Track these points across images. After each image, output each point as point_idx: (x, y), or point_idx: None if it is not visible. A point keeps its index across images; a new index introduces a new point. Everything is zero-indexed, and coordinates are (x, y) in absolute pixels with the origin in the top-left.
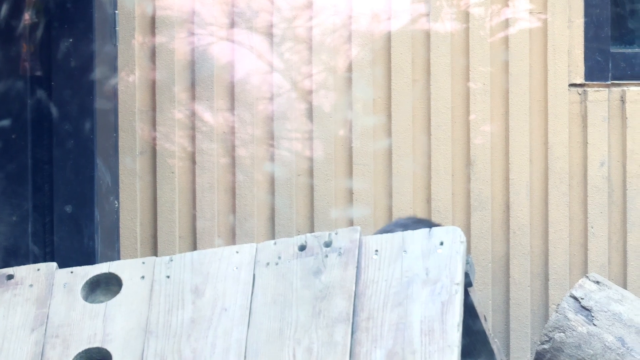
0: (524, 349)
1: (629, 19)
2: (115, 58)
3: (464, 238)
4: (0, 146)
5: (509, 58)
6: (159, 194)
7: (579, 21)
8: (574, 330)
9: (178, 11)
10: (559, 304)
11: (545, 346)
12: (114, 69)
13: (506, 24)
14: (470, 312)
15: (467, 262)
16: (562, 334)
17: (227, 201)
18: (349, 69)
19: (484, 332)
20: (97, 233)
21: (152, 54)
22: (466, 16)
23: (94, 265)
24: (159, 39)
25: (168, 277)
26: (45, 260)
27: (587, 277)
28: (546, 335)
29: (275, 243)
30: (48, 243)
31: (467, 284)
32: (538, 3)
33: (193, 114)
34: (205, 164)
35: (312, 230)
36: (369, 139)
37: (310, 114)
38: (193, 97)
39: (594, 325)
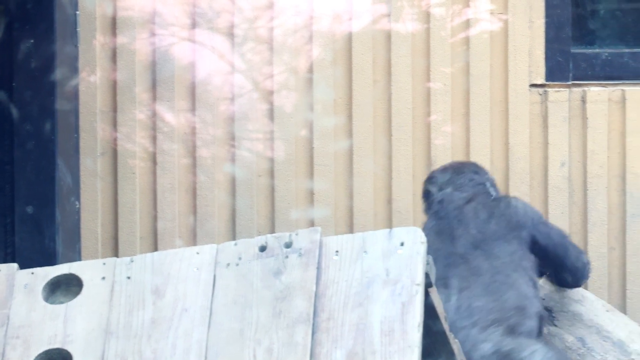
0: None
1: (590, 20)
2: (76, 59)
3: (424, 238)
4: None
5: (469, 59)
6: (120, 194)
7: (540, 22)
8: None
9: (139, 12)
10: None
11: None
12: (75, 70)
13: (467, 24)
14: (430, 312)
15: (428, 263)
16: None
17: (188, 202)
18: (310, 69)
19: (444, 333)
20: (58, 234)
21: (113, 55)
22: (427, 17)
23: (54, 266)
24: (120, 39)
25: (129, 277)
26: (6, 261)
27: (547, 277)
28: None
29: (235, 244)
30: (9, 244)
31: (428, 284)
32: (499, 4)
33: (154, 115)
34: (166, 164)
35: (272, 231)
36: (330, 140)
37: (271, 114)
38: (154, 98)
39: (555, 325)
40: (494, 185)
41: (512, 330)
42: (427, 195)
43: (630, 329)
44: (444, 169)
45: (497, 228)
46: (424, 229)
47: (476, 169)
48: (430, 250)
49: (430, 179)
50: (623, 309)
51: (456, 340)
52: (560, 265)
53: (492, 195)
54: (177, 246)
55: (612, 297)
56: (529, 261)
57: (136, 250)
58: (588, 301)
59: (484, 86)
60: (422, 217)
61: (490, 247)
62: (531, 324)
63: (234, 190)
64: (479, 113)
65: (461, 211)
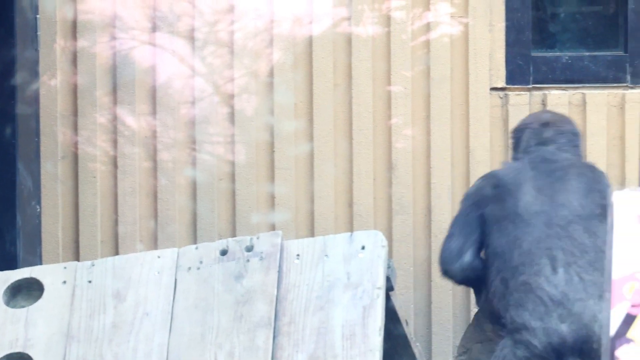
0: (445, 352)
1: (550, 23)
2: (36, 63)
3: (385, 242)
4: None
5: (430, 62)
6: (81, 198)
7: (500, 25)
8: (490, 340)
9: (100, 15)
10: (476, 313)
11: (463, 357)
12: (35, 74)
13: (427, 27)
14: (391, 316)
15: (389, 266)
16: (479, 344)
17: (149, 206)
18: (271, 73)
19: (405, 336)
20: (18, 238)
21: (74, 58)
22: (387, 20)
23: (15, 270)
24: (81, 43)
25: (90, 281)
26: None
27: None
28: (463, 346)
29: (197, 247)
30: None
31: (389, 288)
32: (459, 7)
33: (115, 118)
34: (127, 168)
35: (233, 235)
36: (291, 143)
37: (232, 118)
38: (115, 101)
39: None
40: (578, 134)
41: None
42: (521, 144)
43: None
44: (545, 124)
45: (593, 205)
46: (511, 166)
47: (573, 127)
48: (521, 189)
49: (528, 130)
50: None
51: (417, 344)
52: None
53: (583, 160)
54: (138, 250)
55: None
56: None
57: (97, 254)
58: None
59: (445, 89)
60: (382, 220)
61: (590, 224)
62: None
63: (194, 194)
64: (440, 116)
65: (565, 175)
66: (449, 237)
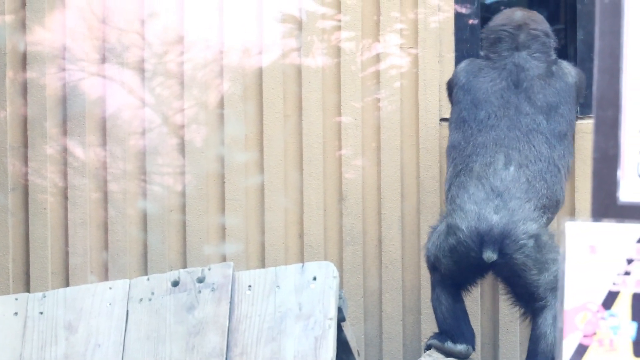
0: None
1: None
2: None
3: (336, 273)
4: None
5: (380, 93)
6: (31, 229)
7: (450, 56)
8: None
9: (49, 47)
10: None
11: None
12: None
13: (377, 59)
14: (343, 346)
15: (340, 297)
16: None
17: (100, 237)
18: (221, 104)
19: None
20: None
21: (24, 90)
22: (337, 51)
23: None
24: (30, 74)
25: (41, 313)
26: None
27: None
28: None
29: (148, 279)
30: None
31: (341, 318)
32: (409, 38)
33: (64, 150)
34: (77, 199)
35: (185, 266)
36: (241, 175)
37: (182, 149)
38: (65, 133)
39: None
40: (551, 35)
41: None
42: (495, 46)
43: None
44: (519, 27)
45: (559, 118)
46: (472, 65)
47: (545, 26)
48: (481, 86)
49: (502, 32)
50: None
51: None
52: None
53: (554, 55)
54: (90, 281)
55: (523, 331)
56: (572, 156)
57: (48, 286)
58: None
59: (395, 120)
60: (333, 251)
61: (551, 138)
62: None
63: (145, 225)
64: (390, 147)
65: (532, 87)
66: None
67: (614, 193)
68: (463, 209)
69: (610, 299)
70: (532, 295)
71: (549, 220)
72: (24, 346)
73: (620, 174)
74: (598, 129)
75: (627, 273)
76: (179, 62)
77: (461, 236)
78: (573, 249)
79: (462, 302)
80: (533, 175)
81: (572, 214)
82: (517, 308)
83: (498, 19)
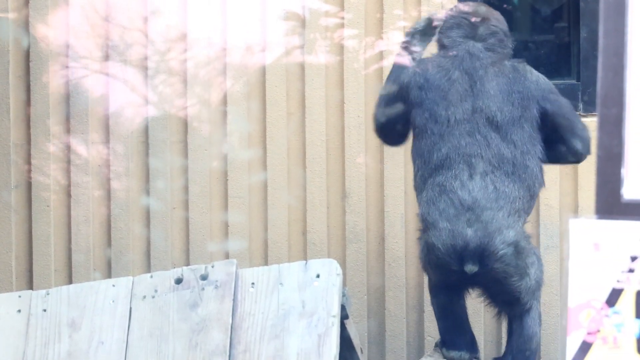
0: None
1: None
2: None
3: (340, 270)
4: None
5: None
6: (34, 227)
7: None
8: None
9: (52, 44)
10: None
11: None
12: None
13: (380, 56)
14: (347, 344)
15: (344, 295)
16: None
17: (103, 234)
18: (224, 101)
19: None
20: None
21: (27, 87)
22: (340, 49)
23: None
24: (33, 72)
25: (44, 310)
26: None
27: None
28: None
29: (151, 276)
30: None
31: (344, 316)
32: None
33: (67, 147)
34: (80, 197)
35: (188, 264)
36: (245, 172)
37: (185, 146)
38: (67, 130)
39: None
40: (509, 36)
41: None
42: (452, 32)
43: None
44: (481, 20)
45: (513, 109)
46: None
47: (505, 27)
48: (434, 86)
49: (462, 19)
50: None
51: None
52: (571, 131)
53: (509, 54)
54: (93, 279)
55: None
56: (539, 143)
57: (51, 283)
58: None
59: None
60: (336, 249)
61: (510, 132)
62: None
63: (148, 223)
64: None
65: (485, 75)
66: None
67: (618, 190)
68: (436, 227)
69: (614, 297)
70: (517, 300)
71: (525, 220)
72: (27, 343)
73: (624, 171)
74: (602, 127)
75: (631, 270)
76: (182, 59)
77: (439, 254)
78: (577, 247)
79: (459, 305)
80: (500, 181)
81: (576, 212)
82: (498, 312)
83: (462, 7)
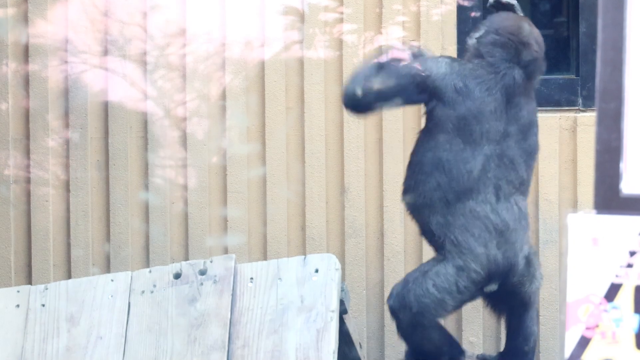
0: None
1: None
2: None
3: (338, 265)
4: None
5: None
6: (33, 222)
7: (452, 48)
8: None
9: (51, 39)
10: None
11: None
12: None
13: (379, 51)
14: (345, 339)
15: (342, 290)
16: None
17: (102, 229)
18: (223, 96)
19: (359, 359)
20: None
21: (26, 82)
22: (340, 43)
23: None
24: (33, 67)
25: (43, 305)
26: None
27: None
28: None
29: (150, 271)
30: None
31: (343, 311)
32: (411, 30)
33: (66, 142)
34: (79, 192)
35: (187, 259)
36: (243, 167)
37: (184, 141)
38: (67, 125)
39: None
40: (544, 59)
41: None
42: (498, 53)
43: None
44: (526, 43)
45: (532, 140)
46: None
47: (538, 37)
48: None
49: (513, 43)
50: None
51: None
52: None
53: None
54: (92, 274)
55: None
56: None
57: (50, 278)
58: None
59: (397, 113)
60: (335, 244)
61: (529, 159)
62: None
63: (147, 218)
64: (392, 139)
65: (519, 103)
66: (371, 69)
67: (617, 185)
68: (473, 252)
69: (612, 292)
70: (524, 302)
71: None
72: (25, 338)
73: (623, 166)
74: (601, 121)
75: (629, 265)
76: (181, 54)
77: (474, 276)
78: (575, 242)
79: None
80: (521, 200)
81: (575, 207)
82: (498, 313)
83: (506, 23)
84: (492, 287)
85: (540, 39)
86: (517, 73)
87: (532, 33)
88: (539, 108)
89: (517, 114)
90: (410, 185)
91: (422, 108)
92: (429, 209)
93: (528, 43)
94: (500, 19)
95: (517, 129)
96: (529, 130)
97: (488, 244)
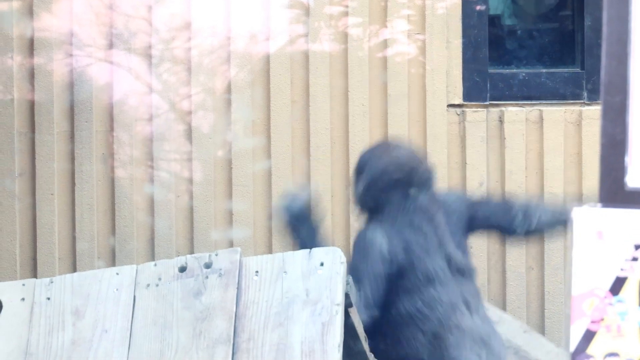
0: None
1: (507, 40)
2: None
3: (344, 259)
4: None
5: (387, 79)
6: (38, 215)
7: (457, 42)
8: None
9: (56, 32)
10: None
11: None
12: None
13: (384, 45)
14: (351, 333)
15: (348, 283)
16: None
17: (107, 223)
18: (228, 90)
19: (364, 353)
20: None
21: (31, 76)
22: (345, 37)
23: None
24: (37, 60)
25: (48, 299)
26: None
27: None
28: None
29: (155, 264)
30: None
31: (348, 304)
32: (416, 24)
33: (72, 135)
34: (84, 185)
35: (192, 252)
36: (249, 160)
37: (189, 135)
38: (72, 118)
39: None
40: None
41: None
42: (394, 198)
43: (547, 349)
44: (410, 172)
45: (463, 247)
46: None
47: (427, 162)
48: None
49: (396, 181)
50: (541, 329)
51: None
52: None
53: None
54: (97, 267)
55: (530, 317)
56: None
57: (55, 272)
58: (506, 322)
59: (402, 106)
60: (340, 237)
61: (470, 269)
62: None
63: (152, 211)
64: (397, 133)
65: (440, 224)
66: (360, 283)
67: (622, 179)
68: None
69: (617, 285)
70: None
71: None
72: (31, 332)
73: (628, 159)
74: (606, 115)
75: (634, 259)
76: (186, 48)
77: None
78: (580, 235)
79: None
80: (483, 309)
81: (580, 200)
82: None
83: (383, 166)
84: None
85: (418, 153)
86: (422, 201)
87: (410, 152)
88: (544, 101)
89: (443, 238)
90: None
91: (426, 106)
92: (413, 347)
93: (413, 167)
94: (383, 159)
95: (450, 248)
96: (456, 243)
97: (481, 354)
